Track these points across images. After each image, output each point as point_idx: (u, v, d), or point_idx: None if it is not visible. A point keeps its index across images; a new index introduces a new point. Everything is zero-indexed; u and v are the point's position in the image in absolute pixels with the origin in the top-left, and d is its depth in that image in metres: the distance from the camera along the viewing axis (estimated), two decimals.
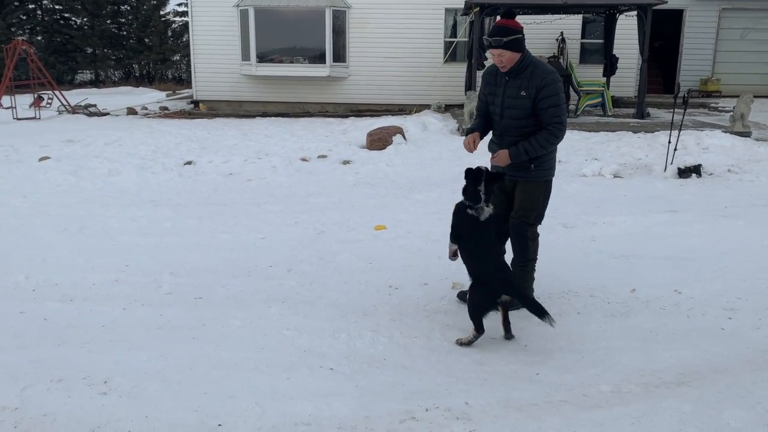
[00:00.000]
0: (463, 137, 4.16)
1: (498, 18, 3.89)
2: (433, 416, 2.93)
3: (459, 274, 4.78)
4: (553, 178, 4.13)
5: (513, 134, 3.93)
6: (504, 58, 3.79)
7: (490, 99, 4.06)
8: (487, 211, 3.70)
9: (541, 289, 4.45)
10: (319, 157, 9.96)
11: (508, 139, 3.96)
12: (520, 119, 3.89)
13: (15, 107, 14.87)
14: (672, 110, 9.10)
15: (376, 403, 3.03)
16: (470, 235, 3.74)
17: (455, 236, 3.83)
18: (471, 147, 3.99)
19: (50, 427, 2.84)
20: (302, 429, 2.83)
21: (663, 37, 17.59)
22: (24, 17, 29.34)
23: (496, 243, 3.85)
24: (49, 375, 3.28)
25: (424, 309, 4.20)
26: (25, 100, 15.97)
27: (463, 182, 3.78)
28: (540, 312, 3.45)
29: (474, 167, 3.77)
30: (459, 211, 3.81)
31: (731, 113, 11.48)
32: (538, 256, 4.21)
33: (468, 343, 3.65)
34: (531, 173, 3.96)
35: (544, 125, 3.83)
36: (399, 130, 11.01)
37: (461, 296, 4.24)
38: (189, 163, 9.43)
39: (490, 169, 3.84)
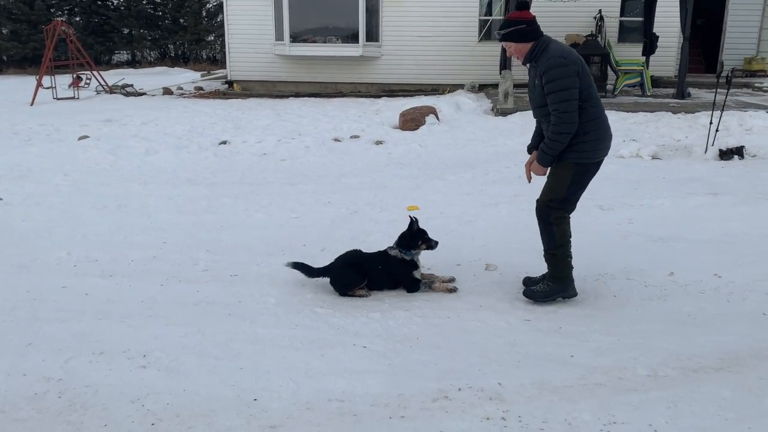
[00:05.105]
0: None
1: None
2: (466, 396, 2.93)
3: (492, 256, 4.76)
4: (599, 165, 3.84)
5: (543, 124, 3.83)
6: (510, 49, 3.77)
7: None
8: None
9: (576, 272, 4.39)
10: (351, 137, 9.96)
11: (543, 130, 3.85)
12: (539, 107, 3.79)
13: (55, 87, 15.17)
14: (714, 90, 8.84)
15: (409, 382, 3.05)
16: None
17: None
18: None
19: (92, 398, 2.92)
20: (336, 405, 2.87)
21: (705, 15, 17.02)
22: None
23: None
24: (90, 348, 3.37)
25: (458, 289, 4.18)
26: (64, 80, 16.27)
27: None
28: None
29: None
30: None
31: None
32: (570, 240, 3.95)
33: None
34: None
35: None
36: (432, 110, 10.92)
37: (526, 281, 4.18)
38: (224, 142, 9.52)
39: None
